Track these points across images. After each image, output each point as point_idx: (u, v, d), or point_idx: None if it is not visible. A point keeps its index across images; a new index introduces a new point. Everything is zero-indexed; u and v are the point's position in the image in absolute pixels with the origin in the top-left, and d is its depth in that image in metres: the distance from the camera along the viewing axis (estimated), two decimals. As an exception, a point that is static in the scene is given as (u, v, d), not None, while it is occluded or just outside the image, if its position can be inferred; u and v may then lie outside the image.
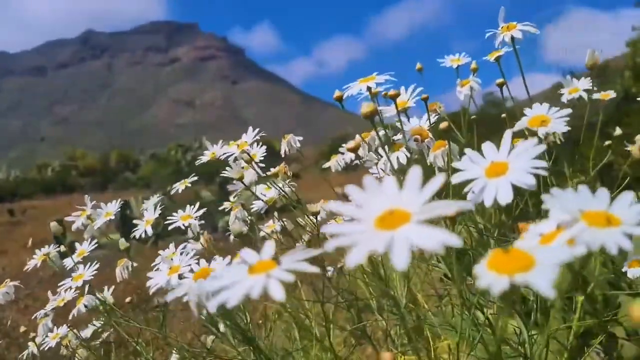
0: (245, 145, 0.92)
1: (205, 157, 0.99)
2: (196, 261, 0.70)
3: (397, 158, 0.76)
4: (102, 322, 1.08)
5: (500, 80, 0.86)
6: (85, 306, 0.94)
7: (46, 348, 1.04)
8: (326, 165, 1.01)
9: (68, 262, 0.99)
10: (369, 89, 0.75)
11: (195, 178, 1.07)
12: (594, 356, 1.08)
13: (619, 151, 1.11)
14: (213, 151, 0.98)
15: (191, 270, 0.66)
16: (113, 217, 0.99)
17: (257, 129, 0.94)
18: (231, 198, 1.04)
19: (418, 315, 0.83)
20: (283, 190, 0.95)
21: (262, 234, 1.07)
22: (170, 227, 0.95)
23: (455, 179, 0.45)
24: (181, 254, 0.75)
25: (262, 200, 0.99)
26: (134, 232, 0.96)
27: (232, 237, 1.09)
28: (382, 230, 0.31)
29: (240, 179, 0.92)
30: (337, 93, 0.80)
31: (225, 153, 0.92)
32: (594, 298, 1.10)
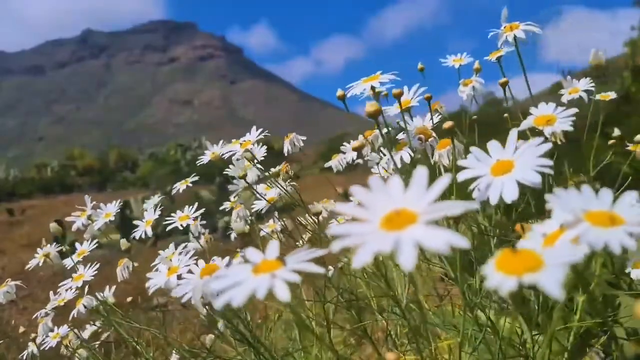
0: (248, 143, 0.92)
1: (206, 158, 0.99)
2: (195, 262, 0.69)
3: (401, 157, 0.76)
4: (102, 322, 1.08)
5: (503, 80, 0.85)
6: (85, 307, 0.93)
7: (47, 348, 1.04)
8: (327, 164, 1.01)
9: (68, 262, 0.98)
10: (372, 88, 0.74)
11: (196, 178, 1.06)
12: (593, 356, 1.08)
13: (618, 151, 1.11)
14: (214, 151, 0.97)
15: (190, 272, 0.65)
16: (113, 219, 0.99)
17: (261, 129, 0.94)
18: (231, 197, 1.05)
19: (419, 315, 0.83)
20: (285, 190, 0.95)
21: (262, 233, 1.08)
22: (168, 228, 0.95)
23: (461, 177, 0.46)
24: (180, 254, 0.74)
25: (264, 199, 0.99)
26: (134, 232, 0.96)
27: (232, 236, 1.10)
28: (389, 230, 0.31)
29: (243, 177, 0.92)
30: (339, 92, 0.79)
31: (228, 151, 0.91)
32: (594, 298, 1.10)
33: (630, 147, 0.96)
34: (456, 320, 0.77)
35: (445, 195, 0.68)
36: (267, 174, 0.98)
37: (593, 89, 0.85)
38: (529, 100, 0.85)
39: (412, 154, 0.76)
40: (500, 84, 0.86)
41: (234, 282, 0.36)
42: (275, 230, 1.08)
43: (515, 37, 0.80)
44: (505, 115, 0.87)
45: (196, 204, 0.97)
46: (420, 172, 0.34)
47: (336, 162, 1.00)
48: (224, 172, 0.96)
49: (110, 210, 1.00)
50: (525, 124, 0.69)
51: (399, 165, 0.75)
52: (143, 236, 0.95)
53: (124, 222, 5.77)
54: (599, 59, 0.76)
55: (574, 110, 0.69)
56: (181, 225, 0.94)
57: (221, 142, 0.98)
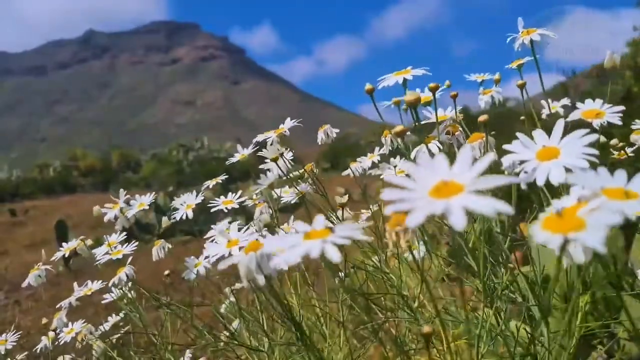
0: (281, 130, 0.96)
1: (235, 158, 1.05)
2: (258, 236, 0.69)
3: (430, 150, 0.78)
4: (128, 310, 1.10)
5: (520, 82, 0.88)
6: (127, 275, 0.95)
7: (61, 343, 1.06)
8: (344, 173, 1.11)
9: (99, 251, 1.01)
10: (404, 81, 0.77)
11: (226, 176, 1.11)
12: (596, 357, 1.09)
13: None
14: (243, 153, 1.03)
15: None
16: (147, 207, 1.03)
17: (295, 119, 0.99)
18: (254, 195, 1.09)
19: (433, 315, 0.84)
20: (314, 185, 1.02)
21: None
22: (212, 210, 1.00)
23: (507, 160, 0.48)
24: (239, 230, 0.75)
25: (297, 189, 1.04)
26: (174, 215, 1.01)
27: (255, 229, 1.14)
28: (438, 198, 0.33)
29: (275, 160, 0.97)
30: (368, 86, 0.80)
31: (264, 137, 0.97)
32: (596, 299, 1.11)
33: (615, 154, 1.04)
34: (471, 318, 0.78)
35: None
36: (292, 174, 1.03)
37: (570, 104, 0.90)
38: (529, 101, 0.87)
39: (441, 147, 0.79)
40: (518, 86, 0.88)
41: (287, 245, 0.39)
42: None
43: (531, 41, 0.83)
44: (522, 117, 0.90)
45: (240, 192, 1.03)
46: (466, 150, 0.37)
47: (353, 168, 1.10)
48: (259, 153, 1.01)
49: (145, 200, 1.04)
50: (573, 116, 0.72)
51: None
52: (184, 218, 1.00)
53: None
54: (614, 62, 0.77)
55: (622, 107, 0.72)
56: (225, 208, 0.99)
57: (256, 139, 1.02)
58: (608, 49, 0.76)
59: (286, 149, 1.01)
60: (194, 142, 19.26)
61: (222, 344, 0.94)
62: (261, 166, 1.02)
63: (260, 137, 0.97)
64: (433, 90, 0.81)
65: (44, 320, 1.20)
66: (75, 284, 1.06)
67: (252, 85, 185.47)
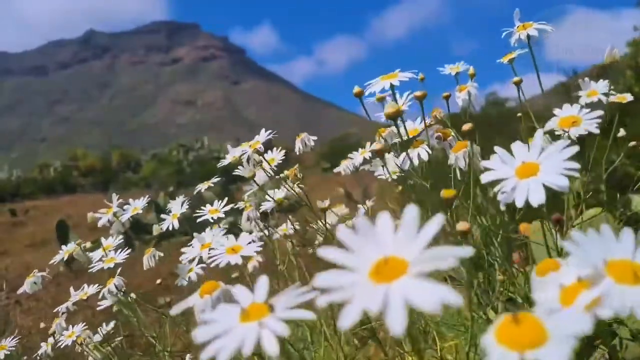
0: (257, 144, 0.93)
1: (226, 160, 1.03)
2: (226, 238, 0.75)
3: (418, 154, 0.76)
4: (123, 314, 1.10)
5: (516, 78, 0.85)
6: (116, 286, 0.95)
7: (62, 346, 1.06)
8: (336, 170, 1.07)
9: (96, 255, 1.01)
10: (391, 86, 0.74)
11: (219, 179, 1.10)
12: (598, 357, 1.08)
13: (624, 152, 1.12)
14: (235, 155, 1.01)
15: (222, 245, 0.70)
16: (141, 211, 1.02)
17: (270, 131, 0.96)
18: (245, 197, 1.07)
19: (424, 316, 0.84)
20: (294, 191, 0.98)
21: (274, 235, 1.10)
22: (198, 220, 0.99)
23: (485, 178, 0.45)
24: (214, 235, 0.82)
25: (272, 199, 1.02)
26: (161, 225, 1.00)
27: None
28: (377, 283, 0.29)
29: (252, 177, 0.94)
30: (356, 89, 0.78)
31: (242, 151, 0.94)
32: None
33: None
34: (464, 319, 0.78)
35: (466, 193, 0.68)
36: (278, 176, 1.01)
37: (612, 91, 0.85)
38: (530, 100, 0.86)
39: (430, 152, 0.76)
40: (514, 83, 0.85)
41: (221, 331, 0.34)
42: (287, 233, 1.11)
43: (528, 36, 0.80)
44: (519, 114, 0.87)
45: (226, 199, 1.01)
46: (410, 213, 0.31)
47: (344, 166, 1.07)
48: (234, 172, 0.99)
49: (138, 205, 1.03)
50: (550, 125, 0.69)
51: (416, 164, 0.75)
52: (170, 228, 0.99)
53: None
54: (614, 57, 0.76)
55: (600, 112, 0.69)
56: (212, 218, 0.98)
57: (232, 153, 1.01)
58: (609, 44, 0.75)
59: (278, 149, 0.99)
60: (194, 142, 19.24)
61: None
62: (235, 171, 1.00)
63: (237, 151, 0.94)
64: (420, 99, 0.78)
65: (42, 325, 1.20)
66: (71, 289, 1.05)
67: (252, 85, 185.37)
